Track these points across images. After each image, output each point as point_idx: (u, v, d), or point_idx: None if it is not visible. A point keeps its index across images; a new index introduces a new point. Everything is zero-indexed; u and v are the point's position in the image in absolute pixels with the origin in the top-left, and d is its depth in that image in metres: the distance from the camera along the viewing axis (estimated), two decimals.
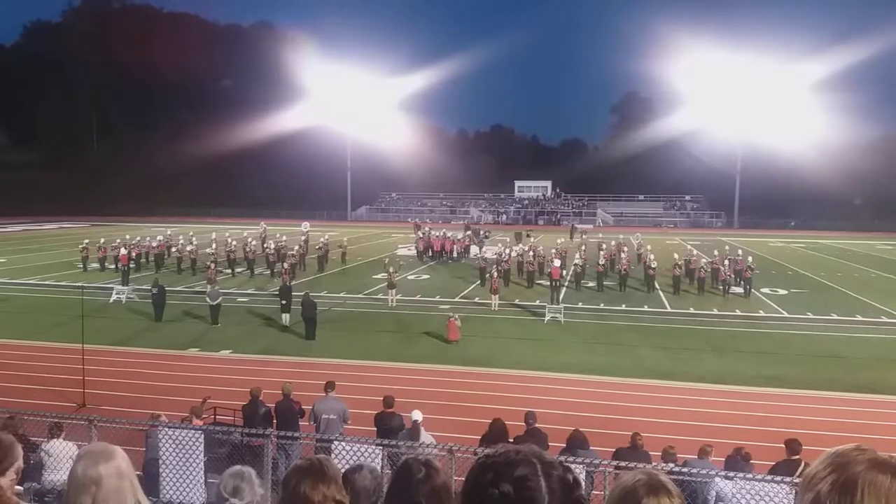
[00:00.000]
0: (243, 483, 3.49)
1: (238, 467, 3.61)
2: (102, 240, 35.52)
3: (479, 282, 30.08)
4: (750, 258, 29.70)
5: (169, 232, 40.05)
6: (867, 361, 17.97)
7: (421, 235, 42.20)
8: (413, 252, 42.08)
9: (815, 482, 1.38)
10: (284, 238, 36.90)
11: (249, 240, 34.85)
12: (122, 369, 16.80)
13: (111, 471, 2.11)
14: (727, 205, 75.25)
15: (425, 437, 9.58)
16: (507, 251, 32.46)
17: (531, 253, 32.36)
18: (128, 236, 36.08)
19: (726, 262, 29.66)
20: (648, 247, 34.66)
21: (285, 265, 28.45)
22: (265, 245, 35.35)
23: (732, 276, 28.69)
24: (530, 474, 1.38)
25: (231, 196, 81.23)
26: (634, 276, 30.53)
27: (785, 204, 71.08)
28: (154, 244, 35.43)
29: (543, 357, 18.16)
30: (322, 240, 36.33)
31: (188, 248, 33.72)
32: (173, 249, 34.96)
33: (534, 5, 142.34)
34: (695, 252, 34.08)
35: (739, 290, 28.27)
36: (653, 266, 29.18)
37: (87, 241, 35.00)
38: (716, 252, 32.25)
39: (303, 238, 39.68)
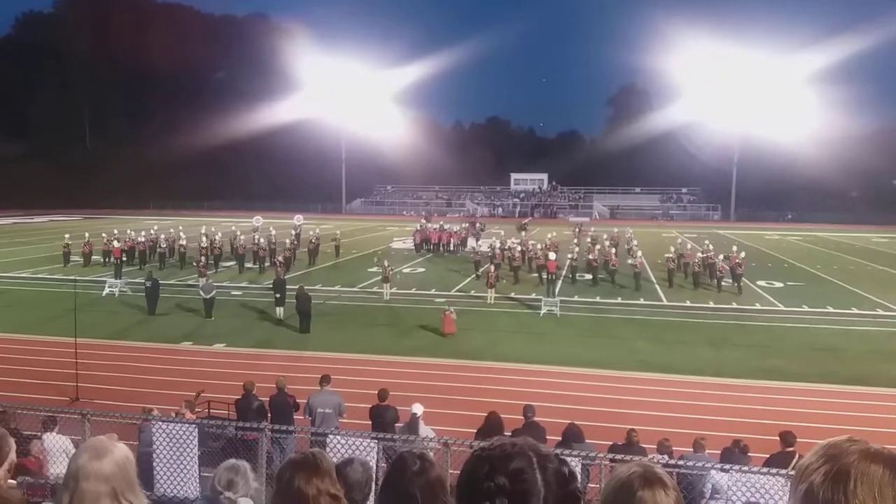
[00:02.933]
0: (237, 477, 3.45)
1: (232, 461, 3.57)
2: (87, 234, 34.94)
3: (474, 275, 30.07)
4: (743, 253, 29.42)
5: (156, 227, 39.40)
6: (863, 354, 18.02)
7: (419, 228, 42.27)
8: (408, 245, 42.14)
9: (808, 473, 1.39)
10: (274, 233, 35.86)
11: (239, 234, 34.51)
12: (116, 363, 16.71)
13: (92, 470, 2.04)
14: (724, 197, 75.47)
15: (425, 430, 9.51)
16: (499, 245, 32.16)
17: (518, 248, 32.09)
18: (115, 231, 35.73)
19: (721, 256, 29.46)
20: (635, 242, 34.37)
21: (279, 258, 28.35)
22: (256, 240, 34.56)
23: (728, 270, 28.59)
24: (526, 467, 1.37)
25: (225, 189, 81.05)
26: (624, 271, 30.18)
27: (782, 196, 71.33)
28: (140, 239, 34.07)
29: (539, 350, 18.15)
30: (312, 233, 36.16)
31: (180, 243, 33.26)
32: (163, 246, 33.65)
33: None
34: (689, 245, 33.61)
35: (730, 282, 27.91)
36: (636, 263, 28.49)
37: (67, 235, 34.50)
38: (710, 245, 31.96)
39: (294, 232, 39.45)
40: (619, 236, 39.07)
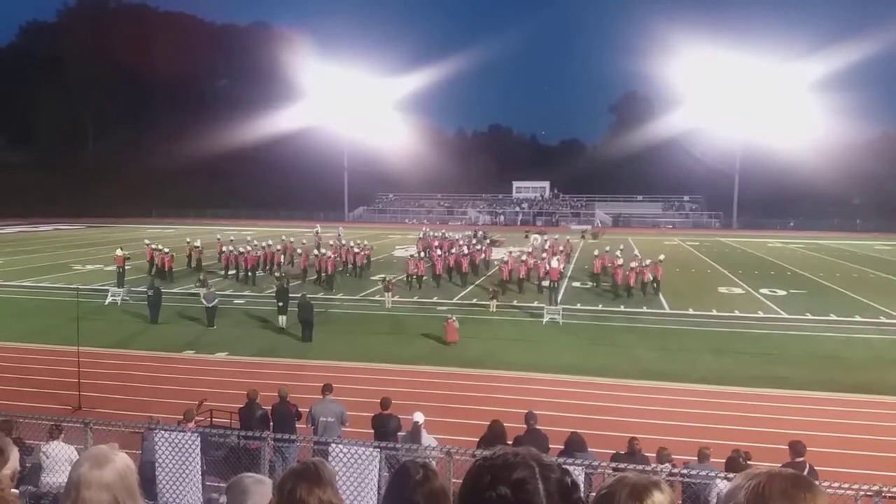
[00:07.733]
0: (260, 486, 3.43)
1: (259, 476, 3.55)
2: (158, 244, 33.73)
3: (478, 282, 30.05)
4: (648, 260, 28.84)
5: (250, 237, 38.25)
6: (866, 362, 17.95)
7: (421, 236, 42.29)
8: (411, 252, 42.07)
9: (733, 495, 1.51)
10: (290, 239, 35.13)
11: (253, 242, 34.31)
12: (118, 372, 16.71)
13: (93, 479, 2.05)
14: (726, 205, 75.43)
15: (427, 439, 9.48)
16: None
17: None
18: (130, 251, 35.27)
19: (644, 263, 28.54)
20: (529, 245, 33.56)
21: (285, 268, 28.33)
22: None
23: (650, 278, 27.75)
24: (528, 477, 1.37)
25: (228, 197, 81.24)
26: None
27: (784, 204, 71.27)
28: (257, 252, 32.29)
29: (541, 358, 18.11)
30: (331, 243, 36.03)
31: (226, 249, 32.13)
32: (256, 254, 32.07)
33: (532, 5, 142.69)
34: (619, 253, 31.04)
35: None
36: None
37: (159, 246, 31.62)
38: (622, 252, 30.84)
39: (335, 242, 39.06)
40: (556, 244, 38.42)
